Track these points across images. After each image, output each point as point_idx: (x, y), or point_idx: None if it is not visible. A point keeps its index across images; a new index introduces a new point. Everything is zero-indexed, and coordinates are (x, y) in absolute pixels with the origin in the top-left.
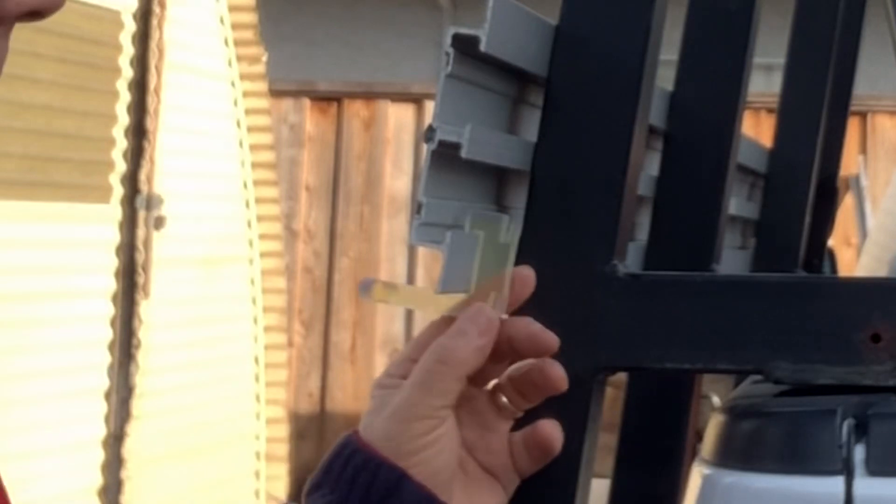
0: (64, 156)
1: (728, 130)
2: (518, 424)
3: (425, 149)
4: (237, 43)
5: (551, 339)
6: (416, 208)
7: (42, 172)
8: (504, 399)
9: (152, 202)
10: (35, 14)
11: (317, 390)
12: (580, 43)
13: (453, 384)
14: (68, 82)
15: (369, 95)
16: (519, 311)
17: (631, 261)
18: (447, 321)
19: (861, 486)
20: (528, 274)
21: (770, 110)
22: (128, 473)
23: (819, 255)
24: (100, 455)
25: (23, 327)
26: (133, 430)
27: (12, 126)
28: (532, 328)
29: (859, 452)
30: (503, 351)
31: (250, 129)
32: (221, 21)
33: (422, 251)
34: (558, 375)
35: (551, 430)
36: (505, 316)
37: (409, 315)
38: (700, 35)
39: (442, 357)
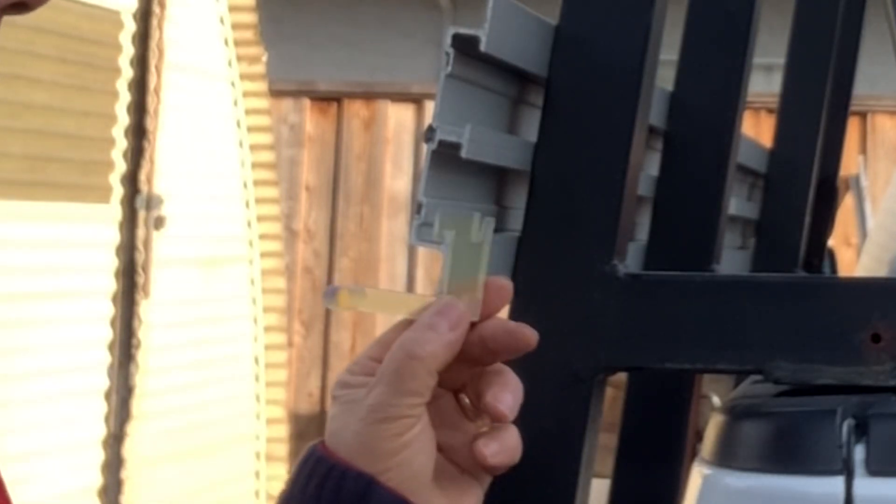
0: (64, 156)
1: (728, 130)
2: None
3: (425, 149)
4: (237, 43)
5: (530, 334)
6: (416, 208)
7: (42, 172)
8: (466, 400)
9: (152, 202)
10: (20, 6)
11: (317, 390)
12: (580, 43)
13: (425, 379)
14: (68, 82)
15: (369, 95)
16: (519, 310)
17: (631, 261)
18: (412, 322)
19: (861, 486)
20: (504, 285)
21: (770, 110)
22: (128, 473)
23: (819, 255)
24: (100, 455)
25: (23, 327)
26: (133, 430)
27: (12, 126)
28: (509, 325)
29: (859, 452)
30: (473, 354)
31: (250, 129)
32: (221, 21)
33: (422, 251)
34: (501, 413)
35: (486, 451)
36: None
37: None
38: (700, 35)
39: (411, 352)
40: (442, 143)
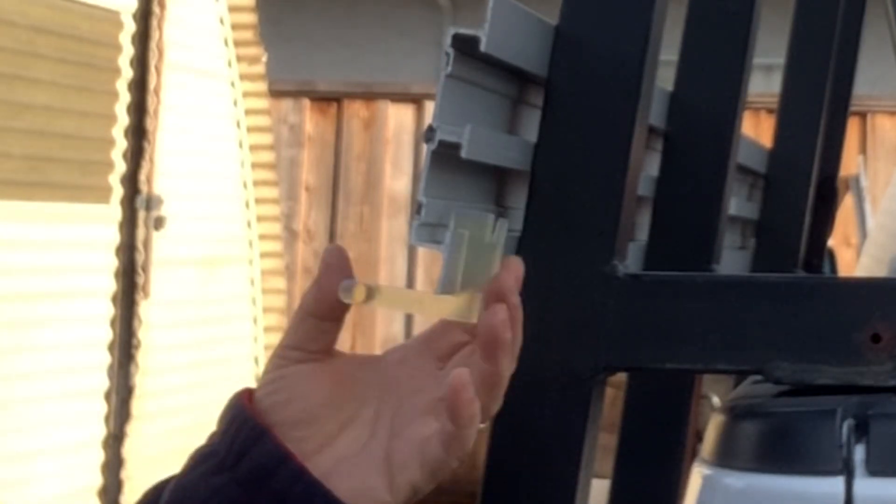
0: (64, 156)
1: (728, 130)
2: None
3: (425, 149)
4: (237, 43)
5: (502, 337)
6: (416, 208)
7: (42, 172)
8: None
9: (152, 202)
10: None
11: None
12: (580, 43)
13: (297, 326)
14: (68, 82)
15: (369, 95)
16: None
17: (631, 261)
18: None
19: (861, 486)
20: (514, 263)
21: (770, 110)
22: (128, 474)
23: (819, 255)
24: (100, 455)
25: (23, 327)
26: (133, 430)
27: (12, 126)
28: (489, 321)
29: (859, 452)
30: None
31: (250, 130)
32: (221, 21)
33: (422, 251)
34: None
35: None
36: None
37: (409, 316)
38: (700, 35)
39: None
40: (442, 143)
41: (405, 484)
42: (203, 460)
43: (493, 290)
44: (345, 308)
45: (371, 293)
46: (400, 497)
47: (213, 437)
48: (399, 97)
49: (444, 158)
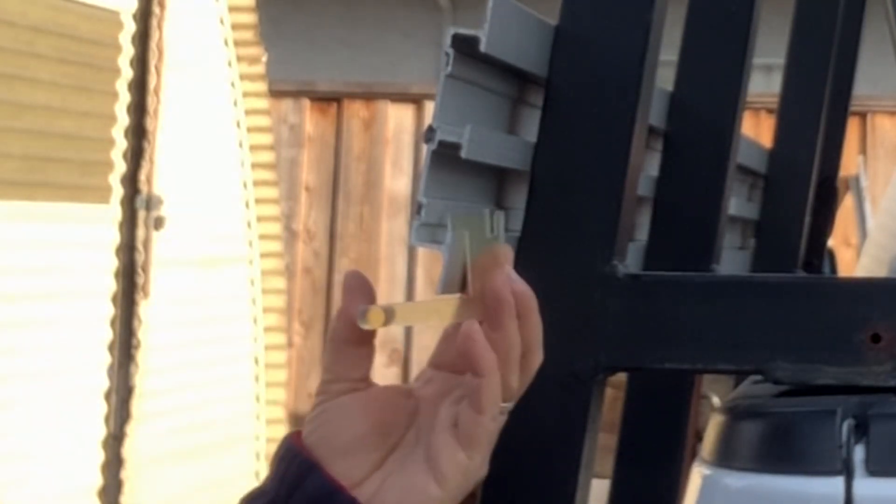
0: (64, 156)
1: (728, 130)
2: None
3: (425, 149)
4: (237, 43)
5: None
6: (416, 209)
7: (42, 172)
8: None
9: (152, 202)
10: None
11: None
12: (580, 43)
13: (332, 357)
14: (68, 82)
15: (369, 96)
16: None
17: (631, 261)
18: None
19: (861, 486)
20: (503, 252)
21: (770, 110)
22: (128, 473)
23: (819, 255)
24: (100, 455)
25: (23, 328)
26: (133, 430)
27: (12, 126)
28: (470, 347)
29: (859, 452)
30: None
31: (250, 130)
32: (221, 21)
33: (422, 251)
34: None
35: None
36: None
37: None
38: (700, 35)
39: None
40: (442, 144)
41: (451, 469)
42: (256, 498)
43: (488, 264)
44: (372, 331)
45: (389, 315)
46: (451, 485)
47: (266, 479)
48: (399, 97)
49: (444, 158)
